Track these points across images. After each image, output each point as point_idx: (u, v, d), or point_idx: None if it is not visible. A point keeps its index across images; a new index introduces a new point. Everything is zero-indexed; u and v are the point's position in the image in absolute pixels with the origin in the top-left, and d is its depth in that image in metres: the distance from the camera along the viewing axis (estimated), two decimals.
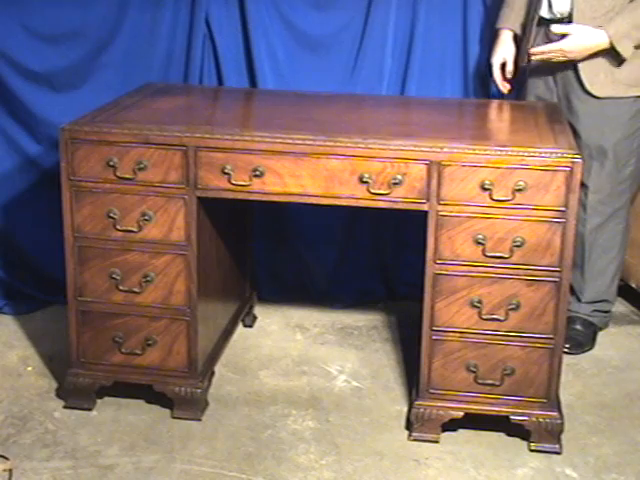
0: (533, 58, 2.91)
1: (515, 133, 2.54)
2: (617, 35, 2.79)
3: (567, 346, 2.95)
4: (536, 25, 2.92)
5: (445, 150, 2.37)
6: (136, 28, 3.20)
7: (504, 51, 3.05)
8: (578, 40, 2.81)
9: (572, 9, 2.83)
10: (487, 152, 2.36)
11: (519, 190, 2.36)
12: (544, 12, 2.91)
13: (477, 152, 2.36)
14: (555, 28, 2.83)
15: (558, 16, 2.88)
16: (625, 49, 2.80)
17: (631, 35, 2.79)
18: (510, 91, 3.08)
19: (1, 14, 3.12)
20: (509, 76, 3.06)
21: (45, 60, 3.18)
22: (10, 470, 2.39)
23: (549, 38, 2.89)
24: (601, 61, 2.85)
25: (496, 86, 3.10)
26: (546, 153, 2.35)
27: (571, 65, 2.88)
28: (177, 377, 2.63)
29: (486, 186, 2.36)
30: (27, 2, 3.14)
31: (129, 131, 2.46)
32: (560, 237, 2.38)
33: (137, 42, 3.20)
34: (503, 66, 3.06)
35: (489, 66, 3.09)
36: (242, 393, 2.80)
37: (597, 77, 2.87)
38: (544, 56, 2.87)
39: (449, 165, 2.37)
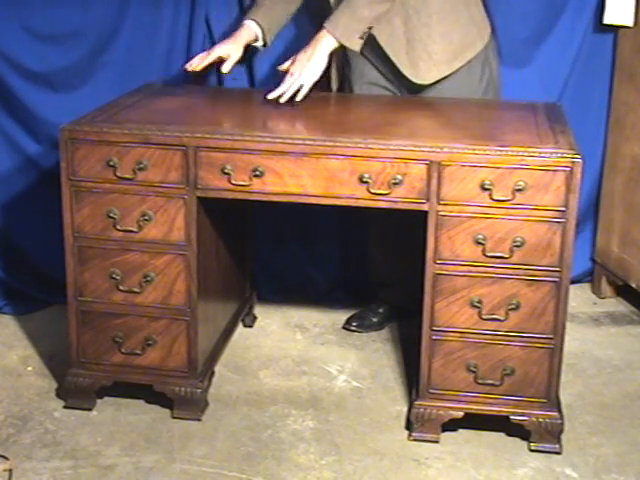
0: (270, 97, 2.72)
1: (515, 133, 2.54)
2: (344, 34, 2.69)
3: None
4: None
5: (445, 150, 2.37)
6: (136, 28, 3.20)
7: (234, 48, 2.84)
8: (300, 59, 2.70)
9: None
10: (487, 152, 2.36)
11: (519, 190, 2.36)
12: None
13: (477, 152, 2.36)
14: (281, 67, 2.75)
15: None
16: (354, 44, 2.73)
17: (356, 29, 2.71)
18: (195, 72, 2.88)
19: (1, 14, 3.12)
20: (224, 71, 2.86)
21: (45, 60, 3.18)
22: (10, 470, 2.39)
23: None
24: (412, 53, 2.81)
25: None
26: (546, 153, 2.35)
27: (389, 66, 2.85)
28: (177, 377, 2.63)
29: (486, 186, 2.36)
30: (27, 2, 3.14)
31: (129, 131, 2.46)
32: (560, 237, 2.38)
33: (137, 42, 3.20)
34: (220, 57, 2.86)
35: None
36: (242, 393, 2.80)
37: (418, 68, 2.82)
38: (286, 94, 2.70)
39: (449, 165, 2.37)
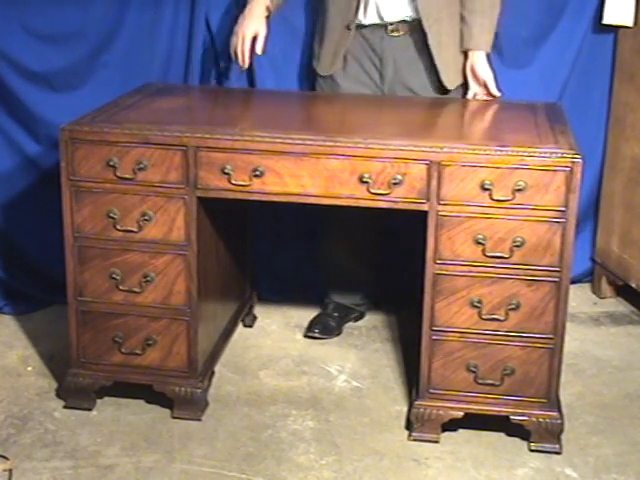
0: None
1: (515, 133, 2.54)
2: (489, 45, 2.94)
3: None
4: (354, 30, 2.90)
5: (445, 150, 2.37)
6: (136, 28, 3.20)
7: (258, 24, 2.85)
8: (491, 76, 2.94)
9: (419, 14, 2.85)
10: (487, 152, 2.36)
11: (519, 190, 2.36)
12: (367, 19, 2.89)
13: (477, 152, 2.36)
14: (477, 97, 2.96)
15: (387, 21, 2.88)
16: (490, 48, 2.98)
17: (493, 37, 2.94)
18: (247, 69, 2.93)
19: (1, 14, 3.12)
20: (260, 52, 2.87)
21: (45, 60, 3.18)
22: (10, 470, 2.39)
23: (366, 40, 2.91)
24: (451, 57, 2.92)
25: (229, 60, 2.90)
26: (546, 153, 2.35)
27: (419, 63, 2.91)
28: (177, 377, 2.63)
29: (486, 186, 2.36)
30: (27, 2, 3.14)
31: (129, 131, 2.46)
32: (560, 237, 2.38)
33: (137, 42, 3.21)
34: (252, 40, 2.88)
35: (233, 36, 2.88)
36: (242, 393, 2.80)
37: (449, 71, 2.92)
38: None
39: (449, 165, 2.37)
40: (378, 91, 2.96)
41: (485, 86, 2.94)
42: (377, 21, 2.89)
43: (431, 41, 2.86)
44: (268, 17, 2.92)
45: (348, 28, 2.89)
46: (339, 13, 2.90)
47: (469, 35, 2.90)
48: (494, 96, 2.94)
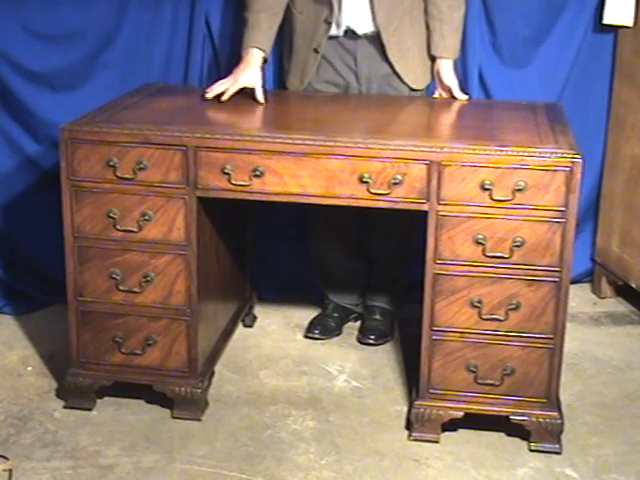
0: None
1: (515, 133, 2.54)
2: (452, 51, 2.96)
3: (372, 337, 3.08)
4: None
5: (445, 150, 2.37)
6: (136, 28, 3.20)
7: (255, 77, 2.83)
8: (454, 83, 2.96)
9: (377, 28, 2.87)
10: (487, 152, 2.36)
11: (519, 190, 2.36)
12: (340, 32, 2.90)
13: (477, 152, 2.36)
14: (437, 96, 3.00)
15: (359, 33, 2.90)
16: (456, 53, 3.00)
17: (455, 42, 2.96)
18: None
19: (1, 14, 3.12)
20: (262, 102, 2.80)
21: (45, 60, 3.18)
22: (10, 470, 2.39)
23: (345, 48, 2.92)
24: (415, 59, 2.94)
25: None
26: (546, 153, 2.35)
27: (384, 67, 2.92)
28: (177, 377, 2.63)
29: (486, 186, 2.36)
30: (27, 2, 3.14)
31: (129, 131, 2.46)
32: (560, 237, 2.38)
33: (137, 42, 3.21)
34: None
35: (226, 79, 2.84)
36: (242, 393, 2.80)
37: (415, 73, 2.95)
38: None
39: (449, 165, 2.37)
40: (355, 92, 2.96)
41: (449, 91, 2.96)
42: (350, 30, 2.91)
43: (390, 52, 2.88)
44: (263, 66, 2.90)
45: (316, 51, 2.91)
46: (306, 35, 2.92)
47: (432, 41, 2.94)
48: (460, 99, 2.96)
